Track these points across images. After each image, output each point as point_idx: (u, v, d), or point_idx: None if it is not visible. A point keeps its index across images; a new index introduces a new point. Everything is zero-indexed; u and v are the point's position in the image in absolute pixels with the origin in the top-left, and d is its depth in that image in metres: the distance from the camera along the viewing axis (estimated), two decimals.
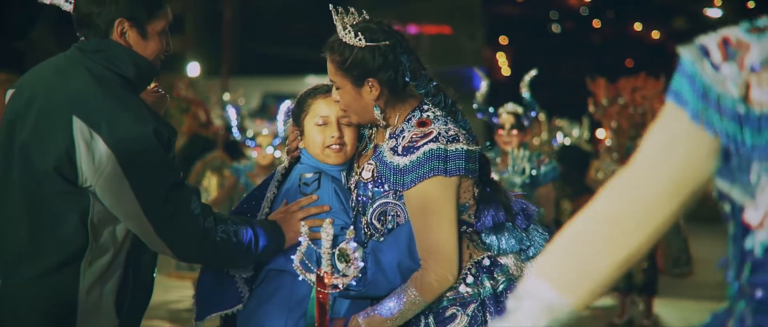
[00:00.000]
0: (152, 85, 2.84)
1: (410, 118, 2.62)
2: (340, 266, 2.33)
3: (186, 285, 8.25)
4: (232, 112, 8.21)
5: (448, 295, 2.55)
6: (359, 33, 2.55)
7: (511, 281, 2.59)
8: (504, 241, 2.62)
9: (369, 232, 2.66)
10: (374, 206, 2.61)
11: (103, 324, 2.54)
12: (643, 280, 7.60)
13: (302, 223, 2.36)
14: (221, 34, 21.80)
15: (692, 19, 31.73)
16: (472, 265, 2.59)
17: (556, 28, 39.07)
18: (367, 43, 2.55)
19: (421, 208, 2.51)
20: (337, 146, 2.74)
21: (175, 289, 8.45)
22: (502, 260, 2.63)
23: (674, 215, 1.39)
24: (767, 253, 1.30)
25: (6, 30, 18.22)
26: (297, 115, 2.84)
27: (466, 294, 2.56)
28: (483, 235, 2.63)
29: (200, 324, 2.79)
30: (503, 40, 36.76)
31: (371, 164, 2.66)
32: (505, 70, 35.59)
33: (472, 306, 2.55)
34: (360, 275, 2.42)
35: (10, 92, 2.63)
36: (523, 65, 9.54)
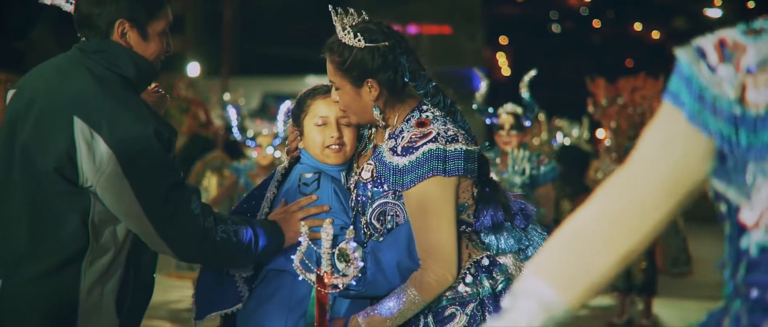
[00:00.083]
0: (152, 85, 2.85)
1: (409, 119, 2.63)
2: (340, 266, 2.34)
3: (186, 285, 8.24)
4: (232, 112, 8.22)
5: (447, 294, 2.56)
6: (359, 34, 2.55)
7: (510, 281, 2.60)
8: (503, 241, 2.62)
9: (368, 232, 2.66)
10: (374, 206, 2.62)
11: (104, 324, 2.55)
12: (642, 279, 7.60)
13: (302, 223, 2.36)
14: (221, 35, 21.80)
15: (692, 19, 31.73)
16: (471, 264, 2.60)
17: (556, 28, 39.06)
18: (367, 44, 2.56)
19: (421, 208, 2.51)
20: (337, 146, 2.75)
21: (175, 289, 8.45)
22: (501, 260, 2.64)
23: (671, 214, 1.40)
24: (763, 253, 1.31)
25: (6, 30, 18.22)
26: (297, 116, 2.85)
27: (465, 293, 2.57)
28: (482, 234, 2.63)
29: (200, 323, 2.78)
30: (503, 40, 36.76)
31: (371, 164, 2.66)
32: (505, 71, 35.58)
33: (471, 305, 2.56)
34: (360, 275, 2.43)
35: (11, 93, 2.63)
36: (523, 65, 9.53)
